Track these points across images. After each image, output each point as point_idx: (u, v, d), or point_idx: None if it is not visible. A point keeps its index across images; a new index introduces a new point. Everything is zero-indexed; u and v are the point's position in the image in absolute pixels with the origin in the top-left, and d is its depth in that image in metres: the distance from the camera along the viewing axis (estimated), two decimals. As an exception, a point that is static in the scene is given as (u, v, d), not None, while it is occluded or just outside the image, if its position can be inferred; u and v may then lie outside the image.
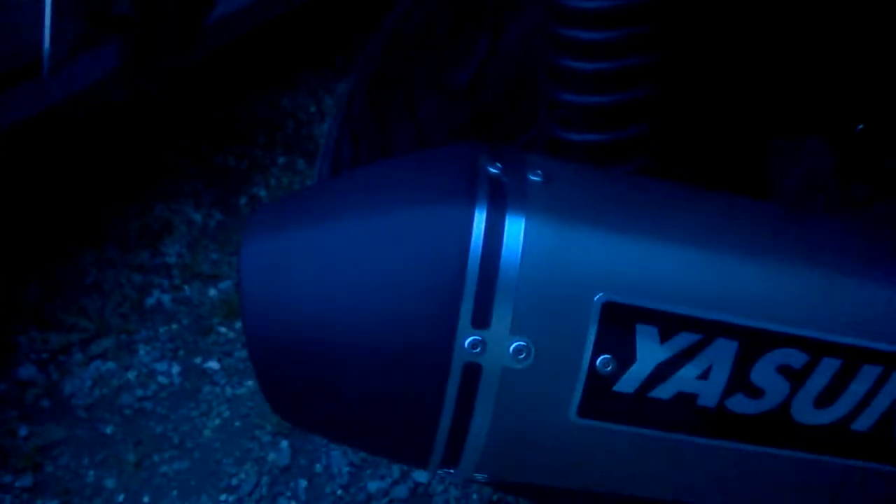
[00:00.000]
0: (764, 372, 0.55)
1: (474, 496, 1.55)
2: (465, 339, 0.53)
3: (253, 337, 0.57)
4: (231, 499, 1.55)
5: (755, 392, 0.55)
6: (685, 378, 0.55)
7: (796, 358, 0.55)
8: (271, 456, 1.61)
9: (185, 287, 1.90)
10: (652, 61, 0.73)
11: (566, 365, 0.54)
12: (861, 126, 0.89)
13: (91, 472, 1.56)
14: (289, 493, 1.56)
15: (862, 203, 0.90)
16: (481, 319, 0.53)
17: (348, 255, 0.55)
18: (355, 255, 0.55)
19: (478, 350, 0.54)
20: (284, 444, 1.62)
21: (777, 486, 0.59)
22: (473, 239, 0.53)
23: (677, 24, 0.73)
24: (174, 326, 1.82)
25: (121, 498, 1.53)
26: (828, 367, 0.55)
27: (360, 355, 0.55)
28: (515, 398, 0.55)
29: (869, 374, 0.55)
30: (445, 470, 0.60)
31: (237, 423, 1.67)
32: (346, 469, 1.59)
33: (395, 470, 1.59)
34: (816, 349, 0.55)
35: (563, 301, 0.54)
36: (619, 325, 0.54)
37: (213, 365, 1.76)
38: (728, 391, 0.55)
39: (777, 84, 0.88)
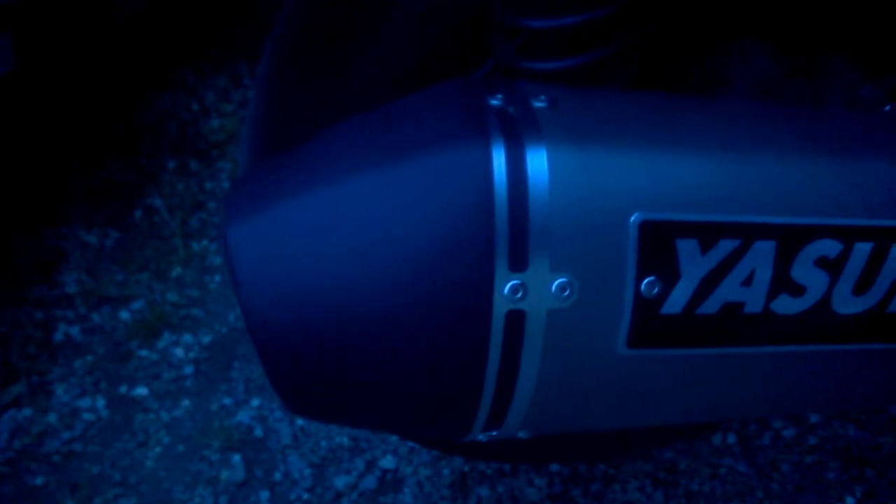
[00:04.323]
0: (803, 267, 0.54)
1: (445, 471, 1.51)
2: (504, 286, 0.49)
3: (257, 327, 0.51)
4: (191, 526, 1.45)
5: (797, 289, 0.54)
6: (730, 287, 0.53)
7: (831, 247, 0.54)
8: (224, 473, 1.52)
9: (94, 315, 1.76)
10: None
11: (612, 294, 0.51)
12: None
13: (28, 530, 1.42)
14: (252, 508, 1.47)
15: (809, 102, 0.90)
16: (519, 262, 0.49)
17: (360, 216, 0.49)
18: (367, 214, 0.49)
19: (519, 295, 0.49)
20: (236, 458, 1.53)
21: (824, 382, 0.58)
22: (496, 178, 0.49)
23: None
24: (90, 358, 1.68)
25: (68, 551, 1.40)
26: (861, 252, 0.54)
27: (387, 324, 0.49)
28: (563, 340, 0.51)
29: (900, 252, 0.55)
30: (487, 433, 0.55)
31: (180, 447, 1.56)
32: (307, 471, 1.52)
33: (359, 462, 1.53)
34: (848, 235, 0.54)
35: (600, 228, 0.50)
36: (658, 243, 0.51)
37: (141, 391, 1.64)
38: (772, 293, 0.54)
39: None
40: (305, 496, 1.49)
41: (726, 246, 0.52)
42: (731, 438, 1.51)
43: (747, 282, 0.53)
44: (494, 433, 0.55)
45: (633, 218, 0.50)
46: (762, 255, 0.52)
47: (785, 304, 0.54)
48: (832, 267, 0.54)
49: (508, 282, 0.49)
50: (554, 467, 1.50)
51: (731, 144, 0.54)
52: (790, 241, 0.53)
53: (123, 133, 2.10)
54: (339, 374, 0.51)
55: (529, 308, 0.50)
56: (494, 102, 0.52)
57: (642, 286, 0.51)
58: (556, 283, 0.50)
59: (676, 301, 0.52)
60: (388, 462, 1.52)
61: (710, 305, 0.52)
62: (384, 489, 1.50)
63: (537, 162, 0.49)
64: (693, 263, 0.51)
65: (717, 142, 0.54)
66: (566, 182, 0.50)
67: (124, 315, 1.76)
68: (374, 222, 0.49)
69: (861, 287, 0.55)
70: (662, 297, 0.52)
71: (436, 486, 1.49)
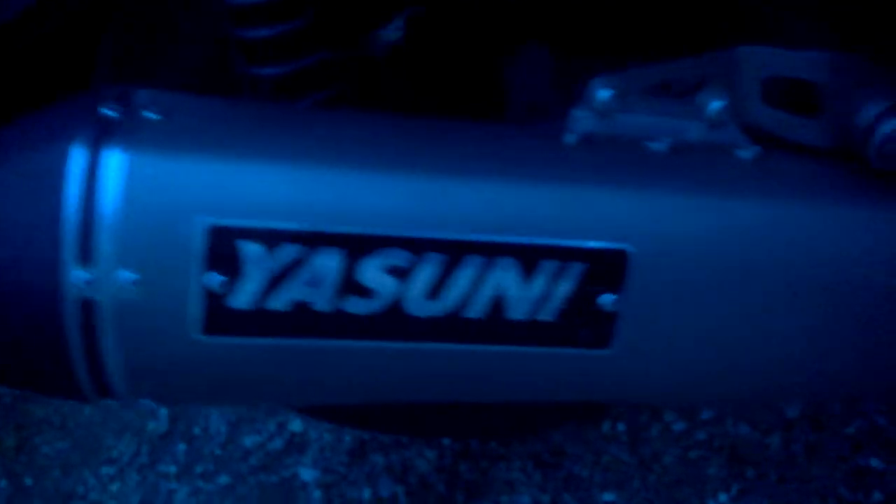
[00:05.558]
0: (371, 273, 0.58)
1: (346, 438, 1.59)
2: (72, 276, 0.56)
3: None
4: (112, 470, 1.59)
5: (366, 293, 0.58)
6: (296, 288, 0.58)
7: (400, 257, 0.58)
8: (151, 425, 1.65)
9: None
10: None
11: (179, 289, 0.57)
12: None
13: (-28, 462, 1.59)
14: (168, 458, 1.60)
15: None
16: (86, 255, 0.56)
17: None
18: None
19: (89, 285, 0.56)
20: (163, 412, 1.66)
21: (403, 376, 0.63)
22: (70, 178, 0.55)
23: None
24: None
25: (3, 483, 1.57)
26: (432, 262, 0.58)
27: None
28: (137, 327, 0.58)
29: (472, 264, 0.59)
30: (105, 400, 0.63)
31: (117, 398, 1.70)
32: (223, 428, 1.63)
33: (272, 424, 1.63)
34: (418, 247, 0.58)
35: (169, 229, 0.56)
36: (224, 245, 0.57)
37: (91, 344, 1.78)
38: (340, 295, 0.58)
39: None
40: (218, 451, 1.60)
41: (290, 251, 0.57)
42: (622, 426, 1.53)
43: (313, 283, 0.58)
44: (113, 400, 0.62)
45: (200, 221, 0.56)
46: (327, 260, 0.57)
47: (355, 304, 0.58)
48: (402, 274, 0.58)
49: (76, 272, 0.56)
50: (447, 441, 1.56)
51: (310, 156, 0.58)
52: (355, 249, 0.57)
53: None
54: None
55: (100, 298, 0.56)
56: (106, 112, 0.59)
57: (209, 282, 0.57)
58: (124, 276, 0.56)
59: (243, 297, 0.57)
60: (296, 425, 1.62)
61: (278, 302, 0.58)
62: (290, 450, 1.59)
63: (115, 164, 0.56)
64: (257, 265, 0.57)
65: (296, 153, 0.58)
66: (142, 185, 0.56)
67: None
68: None
69: (434, 293, 0.59)
70: (229, 293, 0.57)
71: (335, 452, 1.58)
